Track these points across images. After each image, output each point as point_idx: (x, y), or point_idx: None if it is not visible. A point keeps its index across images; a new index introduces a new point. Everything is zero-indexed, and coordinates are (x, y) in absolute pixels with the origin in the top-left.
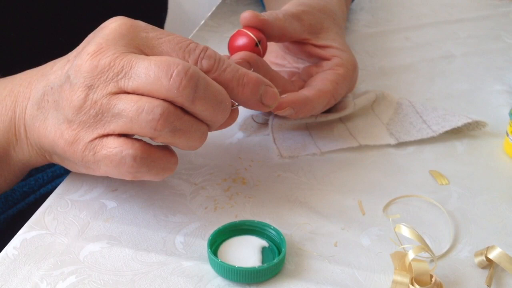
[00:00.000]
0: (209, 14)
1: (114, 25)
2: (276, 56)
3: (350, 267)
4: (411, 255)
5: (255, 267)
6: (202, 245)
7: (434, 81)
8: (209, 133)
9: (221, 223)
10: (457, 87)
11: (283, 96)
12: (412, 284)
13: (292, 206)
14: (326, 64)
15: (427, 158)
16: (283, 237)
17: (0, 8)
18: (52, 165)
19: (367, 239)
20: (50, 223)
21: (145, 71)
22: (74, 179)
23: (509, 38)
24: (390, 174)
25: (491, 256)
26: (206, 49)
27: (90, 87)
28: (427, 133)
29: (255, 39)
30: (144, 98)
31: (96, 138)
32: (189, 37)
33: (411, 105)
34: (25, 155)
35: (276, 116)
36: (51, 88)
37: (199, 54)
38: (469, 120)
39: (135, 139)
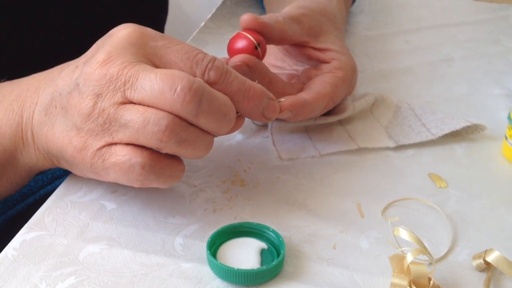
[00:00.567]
0: (209, 16)
1: (123, 33)
2: (276, 59)
3: (349, 270)
4: (409, 257)
5: (254, 269)
6: (201, 247)
7: (433, 84)
8: None
9: (220, 225)
10: (456, 91)
11: (282, 99)
12: (411, 287)
13: (291, 209)
14: (325, 67)
15: (426, 161)
16: (282, 239)
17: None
18: None
19: (366, 242)
20: (49, 224)
21: (150, 84)
22: (74, 181)
23: (508, 42)
24: (389, 177)
25: (489, 259)
26: (214, 60)
27: (98, 96)
28: (426, 136)
29: (254, 42)
30: (150, 110)
31: (104, 146)
32: (189, 39)
33: (410, 108)
34: (32, 159)
35: (277, 118)
36: (60, 94)
37: (207, 65)
38: (468, 124)
39: (143, 147)
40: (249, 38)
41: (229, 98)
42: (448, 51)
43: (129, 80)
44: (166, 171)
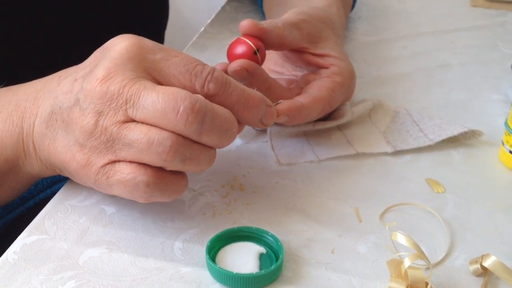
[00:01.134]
0: (209, 21)
1: (121, 47)
2: (275, 64)
3: (347, 274)
4: (407, 262)
5: (252, 274)
6: (201, 251)
7: (431, 90)
8: None
9: (219, 229)
10: (454, 96)
11: (280, 101)
12: None
13: (290, 213)
14: (324, 72)
15: (424, 166)
16: (281, 243)
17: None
18: None
19: (364, 247)
20: (50, 228)
21: (152, 105)
22: (74, 185)
23: (506, 48)
24: (387, 182)
25: (486, 264)
26: (213, 71)
27: (100, 113)
28: (423, 142)
29: (254, 47)
30: (153, 130)
31: (108, 163)
32: (188, 44)
33: (408, 113)
34: (34, 168)
35: (275, 123)
36: (60, 108)
37: (206, 77)
38: (465, 129)
39: (147, 164)
40: (249, 43)
41: (229, 108)
42: (446, 57)
43: (130, 99)
44: (170, 187)
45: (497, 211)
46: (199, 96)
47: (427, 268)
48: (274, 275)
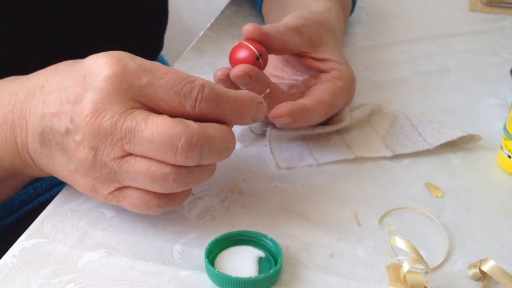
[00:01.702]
0: (209, 25)
1: (104, 77)
2: (275, 68)
3: (346, 278)
4: (405, 266)
5: (251, 277)
6: (200, 255)
7: (429, 95)
8: None
9: (218, 233)
10: (452, 101)
11: (281, 104)
12: None
13: (289, 217)
14: (324, 76)
15: (422, 170)
16: (280, 247)
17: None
18: None
19: (363, 251)
20: (49, 232)
21: (149, 144)
22: (73, 188)
23: (504, 53)
24: (385, 186)
25: (485, 268)
26: (202, 89)
27: (96, 149)
28: (422, 146)
29: (256, 52)
30: (154, 165)
31: (115, 190)
32: (188, 48)
33: (407, 118)
34: (36, 173)
35: (274, 127)
36: (51, 130)
37: (196, 97)
38: (464, 134)
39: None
40: (251, 48)
41: (223, 119)
42: (444, 62)
43: (126, 136)
44: (178, 199)
45: (495, 215)
46: (194, 126)
47: (426, 272)
48: (273, 279)
